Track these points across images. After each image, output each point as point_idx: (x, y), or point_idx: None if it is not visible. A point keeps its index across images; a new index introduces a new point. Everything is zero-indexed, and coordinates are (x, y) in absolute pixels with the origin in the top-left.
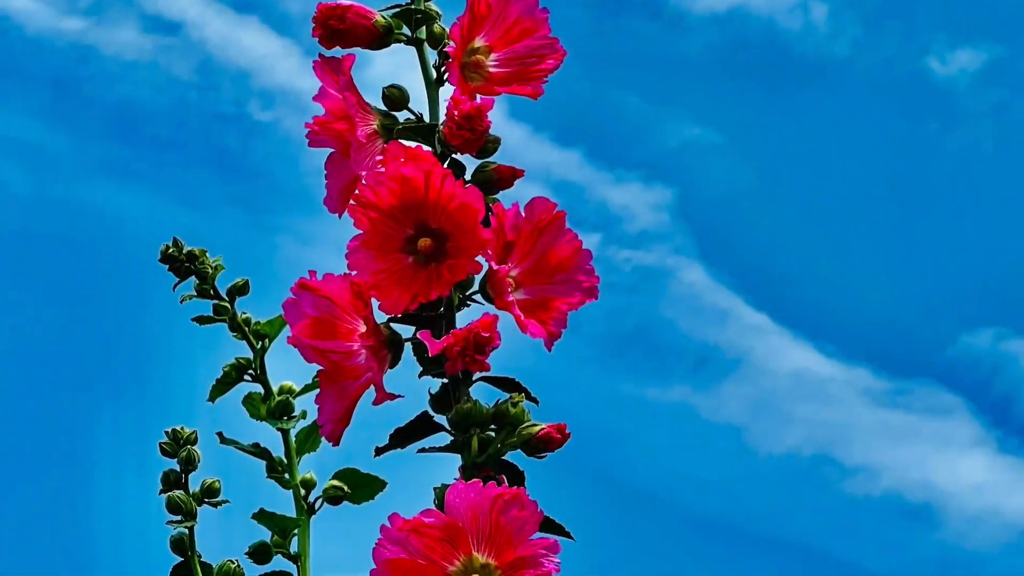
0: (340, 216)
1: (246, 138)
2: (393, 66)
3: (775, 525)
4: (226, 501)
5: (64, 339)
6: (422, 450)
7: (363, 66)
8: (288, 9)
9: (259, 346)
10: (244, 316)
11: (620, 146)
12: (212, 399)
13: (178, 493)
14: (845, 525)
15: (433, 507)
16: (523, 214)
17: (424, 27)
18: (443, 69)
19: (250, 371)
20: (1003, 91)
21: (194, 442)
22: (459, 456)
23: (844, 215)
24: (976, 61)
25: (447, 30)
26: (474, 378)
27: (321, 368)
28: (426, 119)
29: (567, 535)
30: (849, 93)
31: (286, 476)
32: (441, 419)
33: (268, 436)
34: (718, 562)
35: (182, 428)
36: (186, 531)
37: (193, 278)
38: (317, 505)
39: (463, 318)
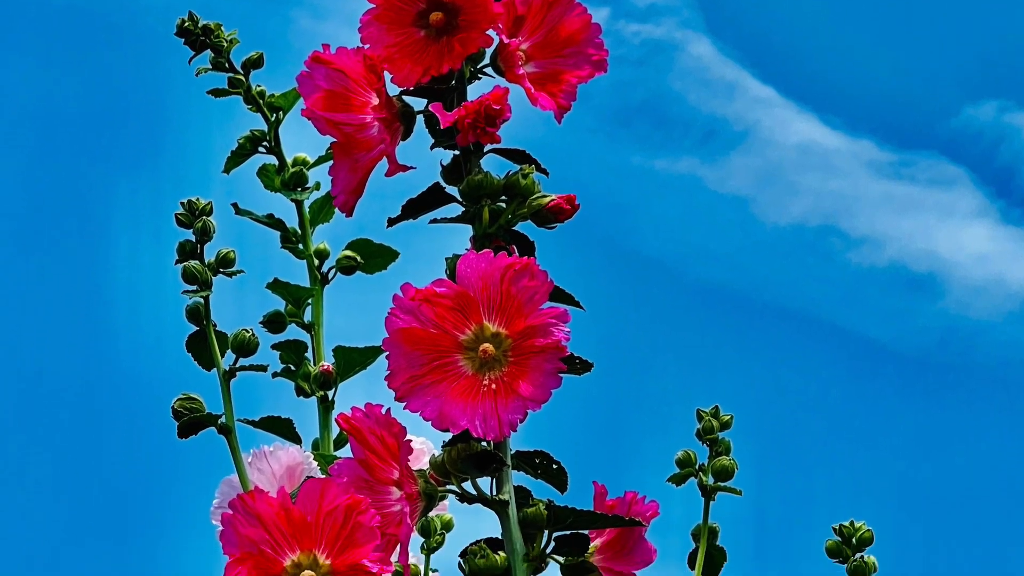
0: None
1: None
2: None
3: (781, 295)
4: (241, 271)
5: (81, 111)
6: (434, 221)
7: None
8: None
9: (273, 118)
10: (259, 89)
11: None
12: (227, 170)
13: (194, 263)
14: (849, 295)
15: (444, 277)
16: None
17: None
18: None
19: (264, 143)
20: None
21: (209, 213)
22: (470, 227)
23: None
24: None
25: None
26: (485, 150)
27: (334, 140)
28: None
29: (576, 304)
30: None
31: (300, 246)
32: (452, 190)
33: (282, 207)
34: (724, 331)
35: (197, 199)
36: (201, 301)
37: (208, 51)
38: (330, 275)
39: (474, 91)
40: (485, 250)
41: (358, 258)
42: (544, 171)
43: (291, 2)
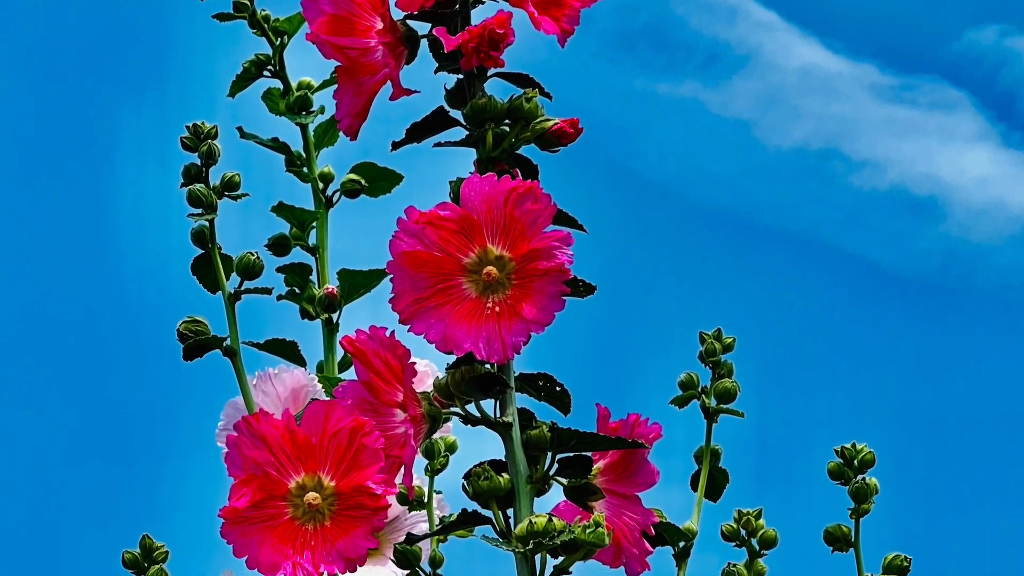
0: None
1: None
2: None
3: (783, 218)
4: (246, 194)
5: (86, 35)
6: (438, 144)
7: None
8: None
9: (278, 42)
10: (264, 13)
11: None
12: (232, 94)
13: (199, 187)
14: (851, 218)
15: (448, 200)
16: None
17: None
18: None
19: (269, 67)
20: None
21: (214, 136)
22: (474, 150)
23: None
24: None
25: None
26: (489, 74)
27: (339, 64)
28: None
29: (580, 227)
30: None
31: (304, 170)
32: (456, 114)
33: (287, 130)
34: (726, 254)
35: (203, 123)
36: (207, 224)
37: None
38: (335, 198)
39: (478, 15)
40: (489, 173)
41: (362, 181)
42: (547, 95)
43: None
